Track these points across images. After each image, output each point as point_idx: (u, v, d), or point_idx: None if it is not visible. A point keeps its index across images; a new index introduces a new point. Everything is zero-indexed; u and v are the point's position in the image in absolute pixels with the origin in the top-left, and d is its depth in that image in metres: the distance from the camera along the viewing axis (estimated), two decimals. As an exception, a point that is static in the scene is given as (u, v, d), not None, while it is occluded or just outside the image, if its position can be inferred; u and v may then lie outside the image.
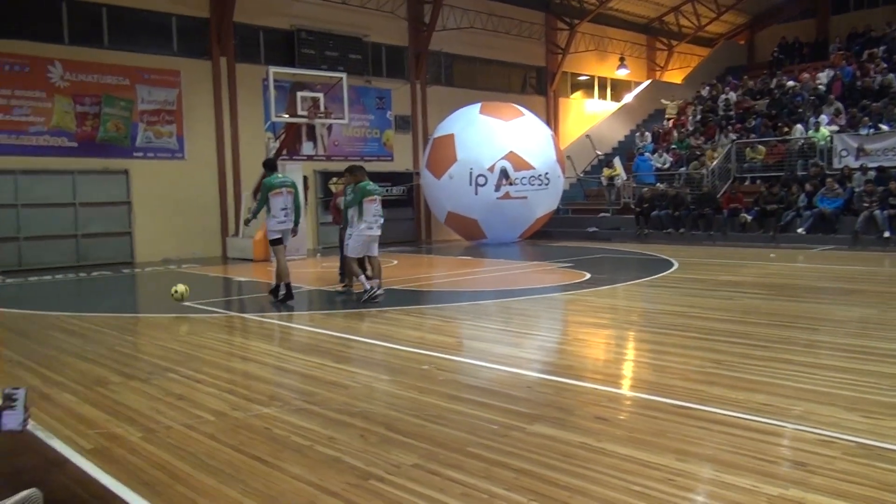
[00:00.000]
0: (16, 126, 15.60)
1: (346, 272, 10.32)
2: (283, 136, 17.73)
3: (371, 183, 9.86)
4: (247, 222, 11.99)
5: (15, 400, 3.10)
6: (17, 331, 8.31)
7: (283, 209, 9.83)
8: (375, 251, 9.97)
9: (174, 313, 9.14)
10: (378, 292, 9.56)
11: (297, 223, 10.12)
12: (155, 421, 4.54)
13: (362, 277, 9.75)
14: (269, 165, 10.50)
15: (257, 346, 7.28)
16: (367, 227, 9.64)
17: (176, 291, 9.39)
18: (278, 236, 9.96)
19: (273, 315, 9.12)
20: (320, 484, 3.42)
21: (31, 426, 4.36)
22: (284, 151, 17.81)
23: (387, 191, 21.65)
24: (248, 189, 17.32)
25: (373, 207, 9.69)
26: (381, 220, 9.88)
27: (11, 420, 3.06)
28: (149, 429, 4.38)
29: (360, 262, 10.09)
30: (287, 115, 17.41)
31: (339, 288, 10.68)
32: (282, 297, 9.78)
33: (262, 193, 10.00)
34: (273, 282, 10.21)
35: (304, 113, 17.07)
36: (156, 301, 11.13)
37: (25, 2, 15.80)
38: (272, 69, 16.80)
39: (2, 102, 15.42)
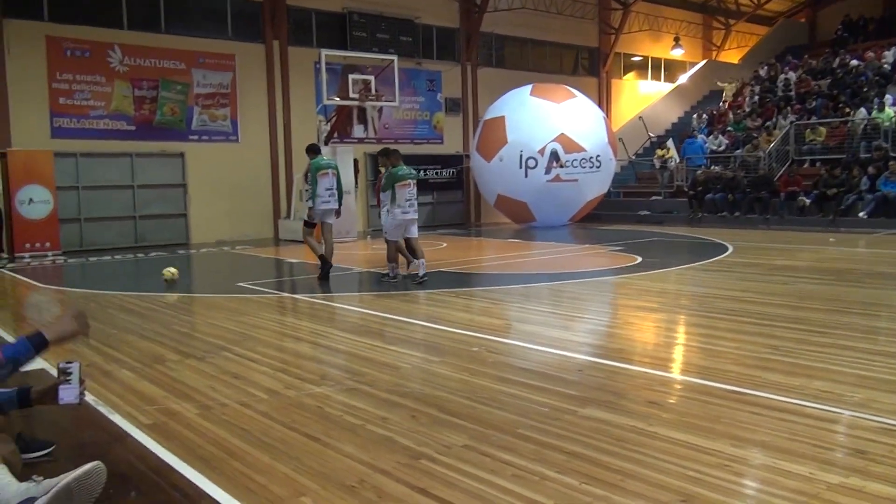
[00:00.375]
0: (77, 110, 16.05)
1: (400, 253, 10.33)
2: (334, 119, 17.85)
3: (404, 167, 9.90)
4: (310, 208, 12.14)
5: (70, 374, 3.15)
6: (79, 308, 8.57)
7: (329, 189, 10.17)
8: (415, 233, 10.07)
9: (228, 294, 9.32)
10: (422, 273, 9.62)
11: (340, 203, 10.42)
12: (211, 398, 4.64)
13: (392, 264, 9.90)
14: (313, 149, 10.69)
15: (309, 326, 7.39)
16: (401, 211, 9.72)
17: (167, 273, 10.03)
18: (319, 219, 10.21)
19: (324, 296, 9.24)
20: (372, 462, 3.46)
21: (93, 401, 4.52)
22: (335, 134, 17.94)
23: (436, 173, 21.70)
24: (299, 171, 17.50)
25: (406, 192, 9.74)
26: (416, 204, 9.94)
27: (68, 394, 3.12)
28: (205, 406, 4.48)
29: (401, 245, 10.17)
30: (338, 98, 17.52)
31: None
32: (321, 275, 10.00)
33: (312, 175, 10.21)
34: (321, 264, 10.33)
35: (356, 95, 17.17)
36: (210, 281, 11.36)
37: (86, -12, 16.21)
38: (324, 52, 16.93)
39: (64, 87, 15.87)
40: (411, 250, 10.11)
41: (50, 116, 15.76)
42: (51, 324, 3.18)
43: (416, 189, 9.95)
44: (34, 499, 2.60)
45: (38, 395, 3.23)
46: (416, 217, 9.99)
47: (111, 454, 3.61)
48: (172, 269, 10.13)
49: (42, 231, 15.05)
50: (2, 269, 12.82)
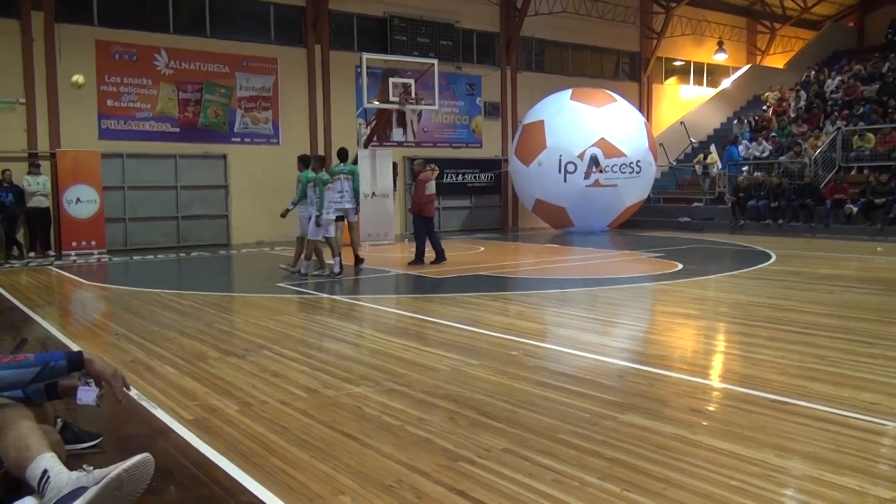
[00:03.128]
0: (125, 112, 16.40)
1: (307, 254, 11.00)
2: (374, 123, 17.96)
3: (327, 172, 11.10)
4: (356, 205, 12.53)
5: (89, 384, 3.28)
6: (124, 306, 8.75)
7: (339, 192, 11.30)
8: (332, 232, 10.93)
9: (268, 293, 9.42)
10: (336, 270, 10.73)
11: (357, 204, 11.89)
12: (251, 395, 4.69)
13: (305, 261, 10.81)
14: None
15: (347, 326, 7.43)
16: (325, 212, 10.63)
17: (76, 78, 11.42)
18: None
19: (362, 297, 9.30)
20: (410, 463, 3.46)
21: (137, 396, 4.60)
22: (375, 138, 18.05)
23: (474, 177, 21.70)
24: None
25: (330, 194, 10.83)
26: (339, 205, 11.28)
27: (87, 395, 3.17)
28: (245, 403, 4.53)
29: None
30: (378, 102, 17.62)
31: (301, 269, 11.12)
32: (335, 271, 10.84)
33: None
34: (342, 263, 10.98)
35: (396, 99, 17.25)
36: (251, 281, 11.50)
37: (135, -7, 16.58)
38: (365, 56, 17.06)
39: (112, 89, 16.23)
40: (330, 248, 10.96)
41: (98, 118, 16.13)
42: (96, 355, 3.20)
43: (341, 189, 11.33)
44: (85, 488, 2.65)
45: (64, 389, 3.26)
46: (334, 218, 11.01)
47: (154, 448, 3.66)
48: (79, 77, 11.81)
49: (88, 230, 15.40)
50: (49, 266, 13.14)
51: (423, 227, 12.27)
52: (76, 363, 3.03)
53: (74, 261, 14.18)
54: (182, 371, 5.38)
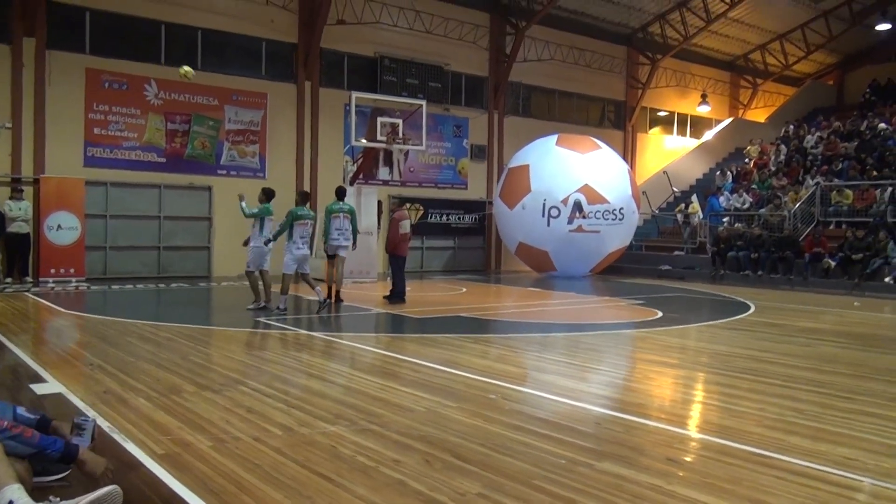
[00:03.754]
0: (111, 140, 16.37)
1: (255, 289, 11.22)
2: (360, 161, 18.05)
3: (304, 209, 11.13)
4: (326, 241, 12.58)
5: (83, 429, 3.35)
6: (100, 336, 8.63)
7: (303, 237, 11.03)
8: (307, 269, 11.08)
9: (246, 328, 9.34)
10: (325, 303, 10.96)
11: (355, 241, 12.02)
12: (225, 431, 4.62)
13: (284, 296, 10.99)
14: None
15: (325, 364, 7.37)
16: (296, 247, 10.85)
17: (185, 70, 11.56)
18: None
19: (342, 334, 9.24)
20: (383, 506, 3.41)
21: (108, 428, 4.52)
22: (361, 175, 18.11)
23: (458, 219, 21.79)
24: (322, 210, 17.61)
25: (302, 230, 10.94)
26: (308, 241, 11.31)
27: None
28: (218, 438, 4.46)
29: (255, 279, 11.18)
30: (366, 140, 17.74)
31: (253, 305, 11.17)
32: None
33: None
34: (323, 297, 11.13)
35: (383, 138, 17.37)
36: (230, 314, 11.40)
37: (129, 24, 16.66)
38: (355, 94, 17.20)
39: (100, 118, 16.22)
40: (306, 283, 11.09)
41: (84, 146, 16.08)
42: (91, 452, 3.38)
43: (311, 229, 11.33)
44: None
45: (56, 435, 3.45)
46: (309, 254, 11.23)
47: (124, 482, 3.58)
48: (188, 68, 11.78)
49: (68, 257, 15.23)
50: (25, 293, 12.97)
51: (398, 266, 12.60)
52: (69, 458, 3.26)
53: (52, 288, 14.01)
54: (156, 404, 5.29)
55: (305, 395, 5.82)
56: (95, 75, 16.17)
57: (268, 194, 11.38)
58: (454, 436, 4.60)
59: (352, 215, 12.13)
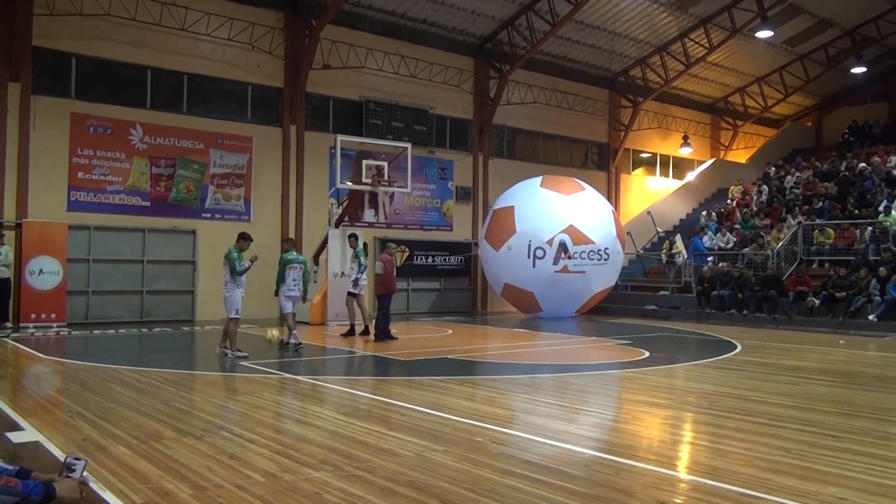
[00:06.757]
0: (95, 185, 16.31)
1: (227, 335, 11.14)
2: (346, 203, 18.07)
3: (293, 253, 12.02)
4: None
5: (73, 470, 3.39)
6: (80, 382, 8.48)
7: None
8: (291, 308, 11.76)
9: (229, 372, 9.22)
10: (297, 343, 11.46)
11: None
12: (206, 479, 4.52)
13: (295, 332, 11.56)
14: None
15: (310, 408, 7.27)
16: (287, 289, 11.62)
17: (268, 334, 12.05)
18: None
19: (327, 378, 9.14)
20: (368, 554, 3.33)
21: (87, 477, 4.40)
22: (346, 218, 18.13)
23: (444, 260, 21.79)
24: (308, 253, 17.60)
25: (293, 273, 11.64)
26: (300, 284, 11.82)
27: None
28: (200, 486, 4.36)
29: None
30: (351, 183, 17.79)
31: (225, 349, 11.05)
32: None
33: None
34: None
35: (369, 181, 17.43)
36: (213, 359, 11.26)
37: (115, 69, 16.72)
38: (340, 137, 17.29)
39: (84, 162, 16.18)
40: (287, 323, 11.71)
41: (68, 190, 16.01)
42: (63, 482, 3.48)
43: (301, 272, 11.80)
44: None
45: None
46: (300, 296, 11.81)
47: (100, 534, 3.50)
48: (274, 332, 12.18)
49: (49, 302, 15.05)
50: (5, 339, 12.77)
51: (386, 306, 13.10)
52: (49, 497, 3.37)
53: (32, 333, 13.81)
54: (136, 451, 5.18)
55: (290, 440, 5.73)
56: (81, 120, 16.18)
57: (247, 239, 11.43)
58: (442, 481, 4.52)
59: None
